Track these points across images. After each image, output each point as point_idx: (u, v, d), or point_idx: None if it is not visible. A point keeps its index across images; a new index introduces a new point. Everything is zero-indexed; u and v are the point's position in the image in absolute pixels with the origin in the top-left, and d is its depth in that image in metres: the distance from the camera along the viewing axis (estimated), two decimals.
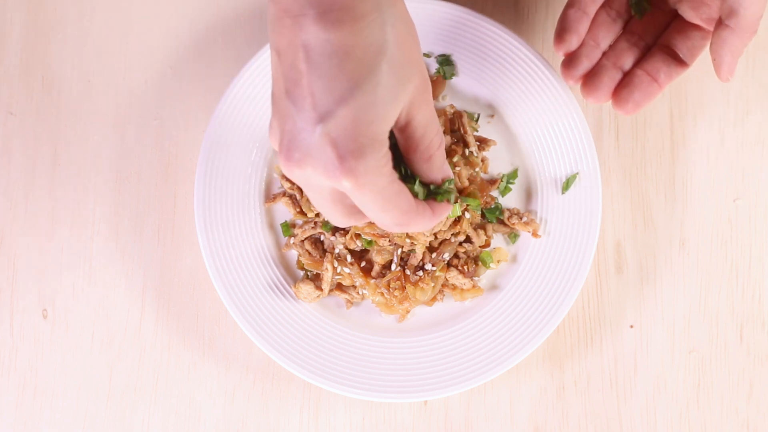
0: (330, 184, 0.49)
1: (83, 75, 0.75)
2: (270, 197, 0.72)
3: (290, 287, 0.71)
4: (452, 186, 0.55)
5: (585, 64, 0.65)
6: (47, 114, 0.75)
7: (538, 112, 0.71)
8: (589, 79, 0.65)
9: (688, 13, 0.62)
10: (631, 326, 0.72)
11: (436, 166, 0.54)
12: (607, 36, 0.66)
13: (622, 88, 0.64)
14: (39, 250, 0.74)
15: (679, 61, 0.64)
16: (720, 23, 0.58)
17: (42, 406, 0.72)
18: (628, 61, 0.65)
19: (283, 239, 0.72)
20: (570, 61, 0.65)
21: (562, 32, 0.64)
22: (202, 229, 0.70)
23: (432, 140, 0.53)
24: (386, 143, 0.49)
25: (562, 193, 0.71)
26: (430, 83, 0.52)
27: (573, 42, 0.64)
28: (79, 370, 0.72)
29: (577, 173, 0.70)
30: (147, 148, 0.74)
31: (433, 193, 0.55)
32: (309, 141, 0.47)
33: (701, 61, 0.74)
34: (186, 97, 0.75)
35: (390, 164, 0.50)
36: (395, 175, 0.51)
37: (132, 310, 0.73)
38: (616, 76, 0.65)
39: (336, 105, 0.47)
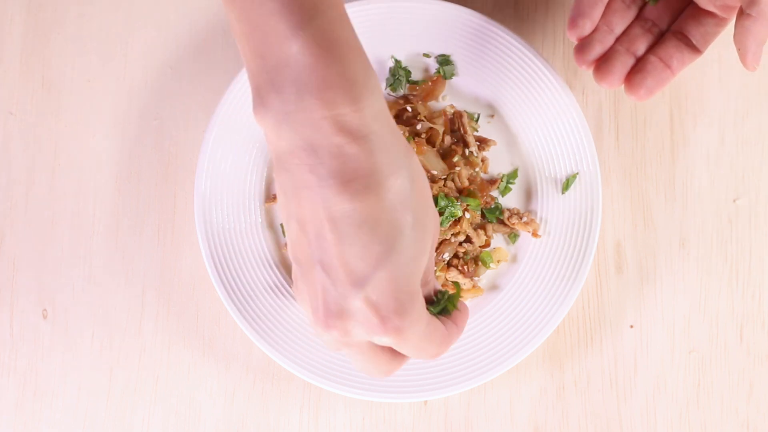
0: (372, 339, 0.50)
1: (83, 75, 0.75)
2: (270, 197, 0.72)
3: (290, 287, 0.71)
4: (449, 294, 0.56)
5: (598, 49, 0.65)
6: (47, 114, 0.75)
7: (538, 112, 0.71)
8: (602, 64, 0.65)
9: (703, 0, 0.62)
10: (631, 326, 0.72)
11: (428, 288, 0.55)
12: (621, 22, 0.65)
13: (635, 73, 0.64)
14: (39, 250, 0.74)
15: (693, 48, 0.64)
16: (741, 13, 0.58)
17: (42, 406, 0.72)
18: (641, 47, 0.65)
19: (283, 239, 0.72)
20: (583, 46, 0.65)
21: (576, 17, 0.64)
22: (202, 229, 0.70)
23: (431, 269, 0.54)
24: (420, 292, 0.50)
25: (562, 193, 0.71)
26: (439, 220, 0.53)
27: (587, 27, 0.64)
28: (79, 370, 0.72)
29: (577, 173, 0.70)
30: (147, 148, 0.74)
31: (442, 309, 0.56)
32: (348, 306, 0.48)
33: (702, 61, 0.74)
34: (186, 97, 0.75)
35: (425, 317, 0.51)
36: (429, 315, 0.52)
37: (132, 310, 0.73)
38: (629, 62, 0.65)
39: (372, 270, 0.47)
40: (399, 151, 0.48)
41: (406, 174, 0.48)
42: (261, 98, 0.47)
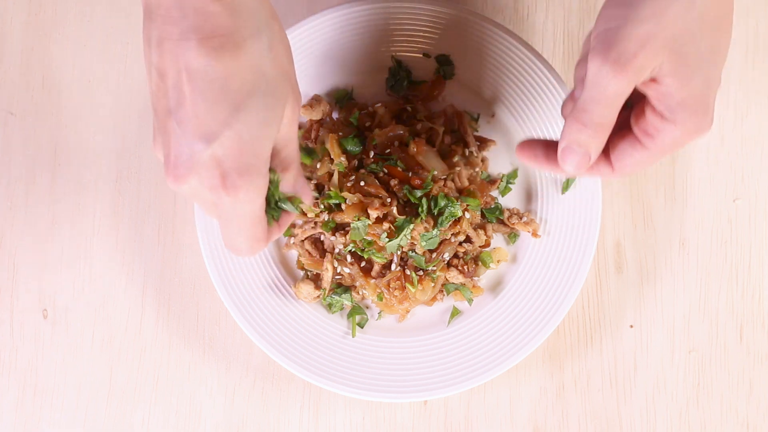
0: (212, 199, 0.51)
1: (83, 75, 0.75)
2: None
3: (290, 287, 0.71)
4: (298, 207, 0.57)
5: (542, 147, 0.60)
6: (47, 114, 0.75)
7: (538, 112, 0.71)
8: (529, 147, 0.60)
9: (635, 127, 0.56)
10: (631, 326, 0.72)
11: (290, 178, 0.56)
12: None
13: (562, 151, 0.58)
14: (39, 250, 0.74)
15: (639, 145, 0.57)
16: (635, 138, 0.54)
17: (42, 405, 0.72)
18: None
19: (283, 239, 0.72)
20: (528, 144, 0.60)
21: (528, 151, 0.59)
22: (202, 229, 0.70)
23: (290, 153, 0.55)
24: (267, 164, 0.52)
25: (562, 193, 0.71)
26: (300, 98, 0.54)
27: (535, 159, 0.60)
28: (79, 370, 0.72)
29: None
30: (147, 148, 0.74)
31: (282, 201, 0.57)
32: (195, 158, 0.49)
33: None
34: None
35: (265, 193, 0.53)
36: (264, 206, 0.54)
37: (132, 310, 0.73)
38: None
39: (220, 127, 0.49)
40: (262, 15, 0.50)
41: (265, 39, 0.50)
42: None
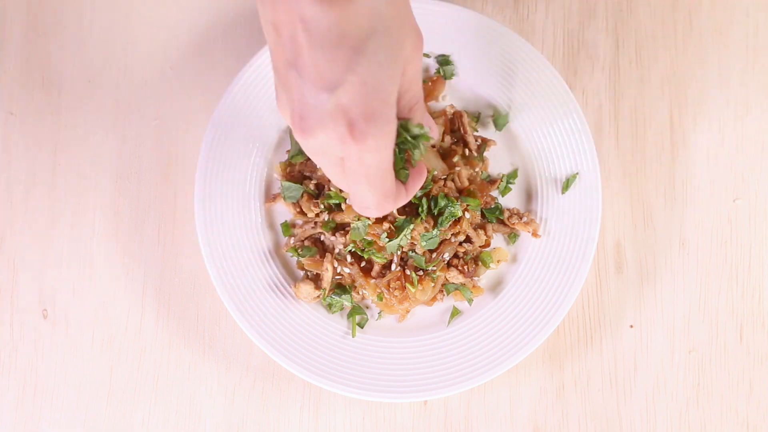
0: (341, 150, 0.50)
1: (83, 75, 0.75)
2: (270, 197, 0.72)
3: (290, 287, 0.71)
4: (425, 132, 0.55)
5: None
6: (47, 114, 0.75)
7: (538, 112, 0.71)
8: None
9: None
10: (631, 326, 0.72)
11: (417, 117, 0.55)
12: None
13: None
14: (39, 250, 0.74)
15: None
16: None
17: (42, 405, 0.72)
18: None
19: (283, 239, 0.72)
20: None
21: None
22: (202, 229, 0.70)
23: (415, 92, 0.54)
24: (394, 108, 0.50)
25: (562, 193, 0.71)
26: (422, 36, 0.52)
27: None
28: (79, 370, 0.72)
29: (577, 173, 0.70)
30: (147, 148, 0.74)
31: (410, 143, 0.55)
32: (321, 109, 0.48)
33: (702, 61, 0.74)
34: (186, 97, 0.75)
35: (394, 140, 0.51)
36: (392, 158, 0.52)
37: (132, 310, 0.73)
38: None
39: (342, 73, 0.47)
40: None
41: None
42: None
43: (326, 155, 0.51)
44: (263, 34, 0.73)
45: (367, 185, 0.52)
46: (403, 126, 0.53)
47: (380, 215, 0.55)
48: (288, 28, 0.48)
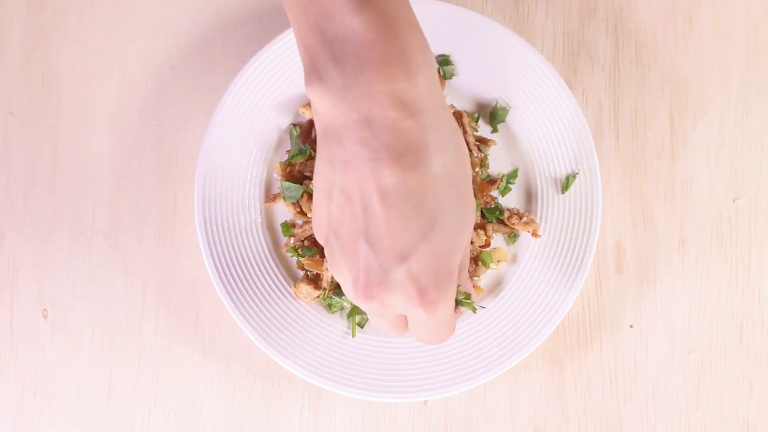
0: (405, 311, 0.51)
1: (83, 75, 0.75)
2: (270, 197, 0.72)
3: (290, 287, 0.71)
4: (470, 303, 0.57)
5: None
6: (47, 114, 0.75)
7: (538, 112, 0.71)
8: None
9: None
10: (631, 326, 0.72)
11: (463, 281, 0.57)
12: None
13: None
14: (39, 250, 0.74)
15: None
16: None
17: (42, 406, 0.72)
18: None
19: (283, 239, 0.72)
20: None
21: None
22: (202, 229, 0.70)
23: (466, 258, 0.55)
24: (457, 273, 0.51)
25: (562, 193, 0.71)
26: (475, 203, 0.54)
27: None
28: (79, 370, 0.72)
29: (577, 173, 0.70)
30: (147, 148, 0.74)
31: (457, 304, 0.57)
32: (389, 278, 0.49)
33: (701, 61, 0.74)
34: (186, 97, 0.75)
35: (456, 290, 0.52)
36: (453, 312, 0.54)
37: (132, 310, 0.73)
38: None
39: (416, 243, 0.48)
40: (448, 127, 0.49)
41: (453, 150, 0.49)
42: (317, 71, 0.47)
43: (386, 314, 0.52)
44: (265, 39, 0.73)
45: (436, 331, 0.53)
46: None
47: (444, 342, 0.57)
48: (362, 198, 0.48)
